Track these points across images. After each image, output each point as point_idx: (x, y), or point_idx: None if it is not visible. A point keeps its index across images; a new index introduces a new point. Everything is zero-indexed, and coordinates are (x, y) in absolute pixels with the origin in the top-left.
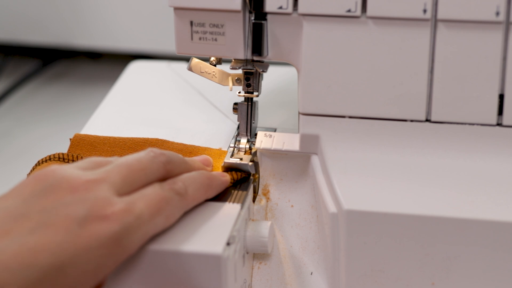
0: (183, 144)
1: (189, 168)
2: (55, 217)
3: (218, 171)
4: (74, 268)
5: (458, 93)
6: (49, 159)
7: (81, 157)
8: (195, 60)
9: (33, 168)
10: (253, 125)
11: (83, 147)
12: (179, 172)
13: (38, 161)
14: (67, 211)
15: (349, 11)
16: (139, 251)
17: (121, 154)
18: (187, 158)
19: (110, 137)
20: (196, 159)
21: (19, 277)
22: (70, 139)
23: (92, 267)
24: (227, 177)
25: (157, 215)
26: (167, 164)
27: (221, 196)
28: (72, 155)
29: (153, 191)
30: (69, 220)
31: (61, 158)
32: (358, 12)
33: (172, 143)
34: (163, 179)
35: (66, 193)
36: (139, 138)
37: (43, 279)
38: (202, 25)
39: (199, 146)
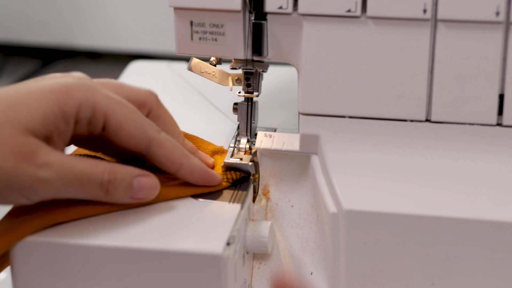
0: (186, 133)
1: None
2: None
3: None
4: (23, 107)
5: (458, 93)
6: None
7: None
8: (195, 60)
9: None
10: (253, 125)
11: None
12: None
13: None
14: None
15: (349, 11)
16: (139, 250)
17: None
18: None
19: None
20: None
21: None
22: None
23: (41, 110)
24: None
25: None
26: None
27: (221, 196)
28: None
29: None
30: (31, 81)
31: None
32: (358, 12)
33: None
34: None
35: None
36: None
37: None
38: (202, 25)
39: (202, 139)
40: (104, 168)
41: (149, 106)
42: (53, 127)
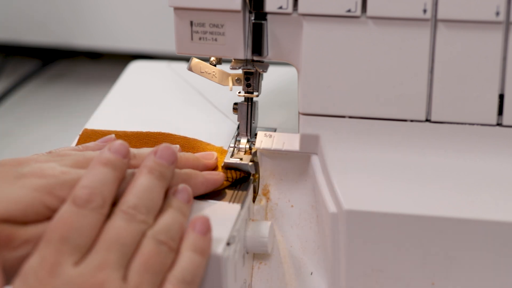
0: (185, 138)
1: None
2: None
3: (210, 172)
4: (3, 201)
5: (458, 93)
6: None
7: None
8: (195, 60)
9: None
10: (253, 125)
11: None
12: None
13: None
14: (8, 172)
15: (349, 11)
16: None
17: None
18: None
19: (118, 132)
20: (199, 155)
21: None
22: (80, 134)
23: (23, 204)
24: (219, 176)
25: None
26: (132, 158)
27: (221, 196)
28: None
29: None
30: (8, 175)
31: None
32: (358, 12)
33: (175, 136)
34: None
35: (13, 166)
36: (142, 132)
37: None
38: (202, 25)
39: (201, 141)
40: None
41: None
42: (36, 218)
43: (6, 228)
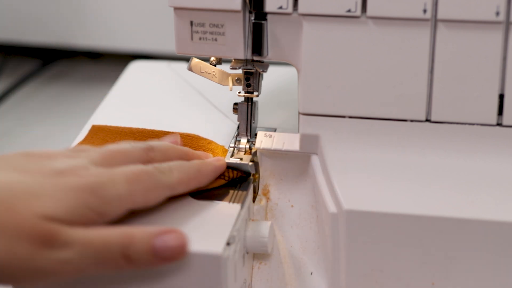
0: (188, 135)
1: (178, 154)
2: (31, 167)
3: (215, 158)
4: (48, 198)
5: (458, 93)
6: None
7: None
8: (195, 60)
9: None
10: (253, 125)
11: (95, 140)
12: (165, 159)
13: None
14: (44, 166)
15: (349, 11)
16: None
17: None
18: (184, 148)
19: (124, 128)
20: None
21: None
22: (89, 129)
23: (67, 204)
24: (221, 162)
25: (135, 183)
26: (149, 150)
27: (221, 196)
28: None
29: (134, 166)
30: (46, 170)
31: None
32: (358, 12)
33: (180, 134)
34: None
35: (44, 159)
36: (148, 130)
37: (16, 201)
38: (202, 25)
39: (204, 138)
40: (120, 234)
41: (144, 160)
42: (80, 220)
43: (51, 225)
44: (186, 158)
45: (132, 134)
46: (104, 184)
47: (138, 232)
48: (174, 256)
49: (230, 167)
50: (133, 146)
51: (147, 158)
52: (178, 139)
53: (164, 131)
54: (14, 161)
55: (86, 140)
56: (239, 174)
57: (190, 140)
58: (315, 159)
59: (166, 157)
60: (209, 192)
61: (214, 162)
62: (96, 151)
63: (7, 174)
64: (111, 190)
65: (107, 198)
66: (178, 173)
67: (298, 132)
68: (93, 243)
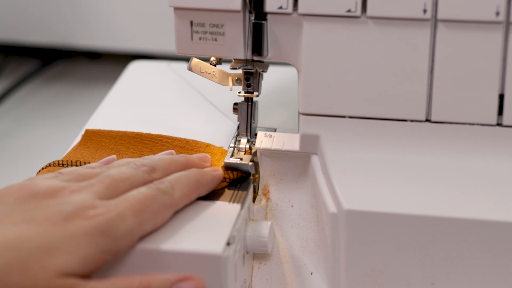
0: (185, 140)
1: (179, 168)
2: (38, 214)
3: (213, 168)
4: (61, 252)
5: (458, 93)
6: (49, 165)
7: (79, 163)
8: (195, 60)
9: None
10: (253, 125)
11: (90, 145)
12: (166, 175)
13: (38, 171)
14: (50, 211)
15: (349, 11)
16: (139, 251)
17: (125, 152)
18: (182, 155)
19: (119, 132)
20: (194, 156)
21: (6, 256)
22: (83, 134)
23: (80, 254)
24: (219, 172)
25: (142, 213)
26: (151, 172)
27: (221, 196)
28: (71, 161)
29: (137, 192)
30: (53, 216)
31: (60, 164)
32: (358, 12)
33: (175, 139)
34: None
35: (48, 198)
36: (143, 134)
37: (29, 259)
38: (202, 25)
39: (201, 142)
40: (139, 281)
41: (147, 182)
42: (95, 266)
43: (67, 282)
44: (186, 167)
45: (128, 138)
46: (113, 222)
47: (156, 281)
48: None
49: (230, 167)
50: (135, 170)
51: (150, 179)
52: (174, 153)
53: (161, 135)
54: (18, 207)
55: (81, 145)
56: (239, 174)
57: (188, 144)
58: (315, 159)
59: (168, 173)
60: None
61: (211, 172)
62: (100, 182)
63: (15, 227)
64: (121, 227)
65: (119, 236)
66: (179, 189)
67: (298, 132)
68: None
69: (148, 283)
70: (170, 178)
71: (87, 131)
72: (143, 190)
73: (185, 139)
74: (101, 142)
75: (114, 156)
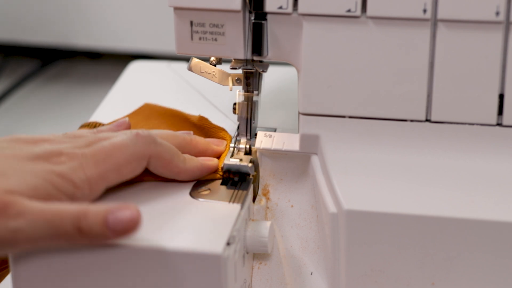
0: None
1: (179, 142)
2: (9, 152)
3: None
4: (15, 178)
5: (458, 93)
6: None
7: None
8: (195, 60)
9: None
10: (253, 125)
11: (140, 116)
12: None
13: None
14: (21, 151)
15: (349, 11)
16: (139, 249)
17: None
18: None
19: (167, 110)
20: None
21: None
22: (140, 106)
23: (32, 183)
24: (213, 162)
25: (103, 163)
26: (152, 143)
27: (221, 196)
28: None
29: (107, 141)
30: (20, 155)
31: (91, 126)
32: (358, 12)
33: (191, 116)
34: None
35: (27, 144)
36: (185, 114)
37: None
38: (202, 25)
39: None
40: (75, 208)
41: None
42: (45, 198)
43: (9, 197)
44: (188, 144)
45: (173, 117)
46: (73, 170)
47: (93, 207)
48: (126, 229)
49: (229, 170)
50: (128, 135)
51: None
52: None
53: (201, 116)
54: None
55: (131, 116)
56: (237, 175)
57: (204, 123)
58: (315, 159)
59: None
60: (209, 192)
61: (202, 161)
62: (84, 140)
63: None
64: (79, 175)
65: (76, 183)
66: (161, 145)
67: (298, 132)
68: (45, 213)
69: (86, 208)
70: (156, 131)
71: (145, 104)
72: (116, 139)
73: (201, 117)
74: (150, 115)
75: (127, 118)
